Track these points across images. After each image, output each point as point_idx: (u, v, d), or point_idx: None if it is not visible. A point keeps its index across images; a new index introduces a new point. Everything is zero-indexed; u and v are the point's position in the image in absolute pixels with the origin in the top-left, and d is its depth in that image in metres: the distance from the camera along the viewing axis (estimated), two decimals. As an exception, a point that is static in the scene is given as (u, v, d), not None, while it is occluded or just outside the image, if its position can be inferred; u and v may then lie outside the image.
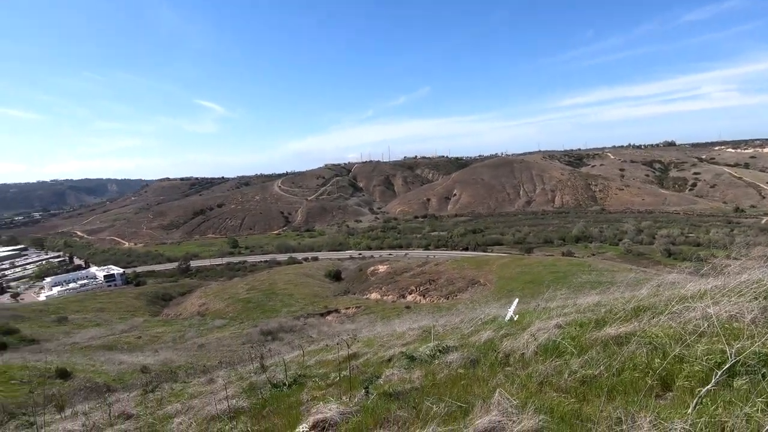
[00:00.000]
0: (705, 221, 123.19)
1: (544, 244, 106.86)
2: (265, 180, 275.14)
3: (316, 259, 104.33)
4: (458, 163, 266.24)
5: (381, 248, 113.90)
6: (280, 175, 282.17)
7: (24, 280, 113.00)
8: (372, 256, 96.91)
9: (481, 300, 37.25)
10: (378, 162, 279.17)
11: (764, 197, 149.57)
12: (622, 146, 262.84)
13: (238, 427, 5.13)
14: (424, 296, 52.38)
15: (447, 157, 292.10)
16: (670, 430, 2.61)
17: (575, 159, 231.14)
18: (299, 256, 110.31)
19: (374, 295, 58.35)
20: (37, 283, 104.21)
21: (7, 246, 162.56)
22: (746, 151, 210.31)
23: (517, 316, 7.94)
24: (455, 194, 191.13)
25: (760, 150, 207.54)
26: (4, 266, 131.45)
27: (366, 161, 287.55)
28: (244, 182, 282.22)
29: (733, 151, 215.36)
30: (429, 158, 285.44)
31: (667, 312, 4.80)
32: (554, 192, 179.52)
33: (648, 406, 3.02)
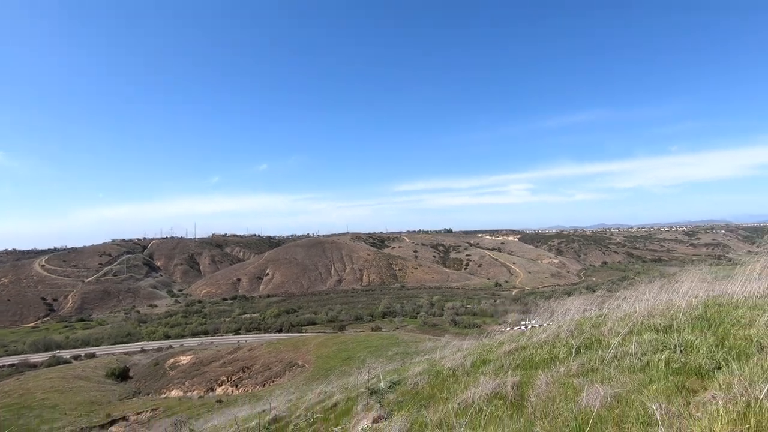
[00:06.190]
0: (477, 294, 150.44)
1: (355, 320, 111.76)
2: (18, 257, 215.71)
3: (92, 356, 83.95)
4: (271, 242, 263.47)
5: (183, 336, 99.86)
6: (44, 252, 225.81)
7: None
8: (171, 347, 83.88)
9: (300, 383, 36.46)
10: (182, 238, 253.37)
11: (512, 274, 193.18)
12: (414, 231, 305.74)
13: None
14: (237, 386, 47.91)
15: (259, 235, 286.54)
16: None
17: (378, 241, 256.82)
18: (67, 353, 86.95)
19: (175, 392, 50.28)
20: None
21: None
22: (498, 238, 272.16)
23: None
24: (268, 273, 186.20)
25: (505, 238, 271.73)
26: None
27: (166, 237, 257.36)
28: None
29: (490, 238, 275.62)
30: (240, 236, 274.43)
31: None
32: (362, 271, 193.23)
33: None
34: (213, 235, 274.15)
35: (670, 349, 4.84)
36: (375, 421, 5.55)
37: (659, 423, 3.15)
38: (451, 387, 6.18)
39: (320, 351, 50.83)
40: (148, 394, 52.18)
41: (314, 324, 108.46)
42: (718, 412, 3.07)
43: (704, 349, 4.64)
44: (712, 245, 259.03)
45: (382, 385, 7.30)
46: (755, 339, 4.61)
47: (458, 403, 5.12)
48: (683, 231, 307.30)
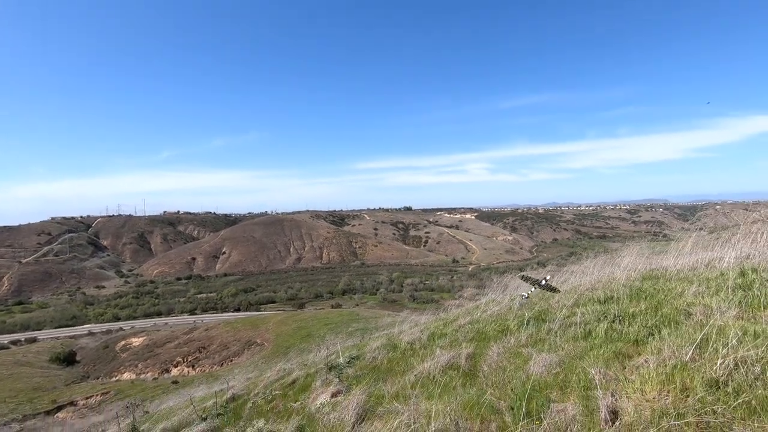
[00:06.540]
0: (435, 270, 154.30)
1: (315, 298, 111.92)
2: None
3: (34, 340, 79.31)
4: (227, 220, 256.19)
5: (134, 317, 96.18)
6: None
7: None
8: (121, 329, 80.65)
9: (259, 361, 36.31)
10: (130, 216, 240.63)
11: (469, 250, 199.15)
12: (374, 209, 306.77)
13: None
14: (193, 367, 47.03)
15: (215, 213, 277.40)
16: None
17: (338, 219, 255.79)
18: (5, 339, 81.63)
19: (127, 375, 48.70)
20: None
21: None
22: (456, 216, 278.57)
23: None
24: (224, 252, 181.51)
25: (463, 215, 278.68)
26: None
27: (113, 215, 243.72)
28: None
29: (449, 215, 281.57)
30: (194, 214, 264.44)
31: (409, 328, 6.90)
32: (322, 249, 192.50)
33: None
34: (165, 212, 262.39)
35: (609, 318, 5.20)
36: (334, 395, 5.64)
37: (597, 386, 3.41)
38: (408, 360, 6.37)
39: (280, 329, 50.62)
40: (98, 378, 50.25)
41: (273, 302, 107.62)
42: (649, 374, 3.35)
43: (640, 318, 5.02)
44: (651, 222, 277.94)
45: (341, 360, 7.40)
46: (684, 308, 5.03)
47: (415, 375, 5.29)
48: (626, 209, 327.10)
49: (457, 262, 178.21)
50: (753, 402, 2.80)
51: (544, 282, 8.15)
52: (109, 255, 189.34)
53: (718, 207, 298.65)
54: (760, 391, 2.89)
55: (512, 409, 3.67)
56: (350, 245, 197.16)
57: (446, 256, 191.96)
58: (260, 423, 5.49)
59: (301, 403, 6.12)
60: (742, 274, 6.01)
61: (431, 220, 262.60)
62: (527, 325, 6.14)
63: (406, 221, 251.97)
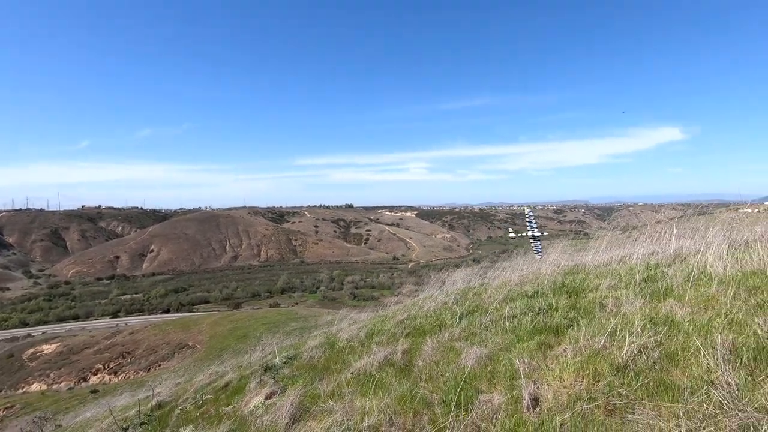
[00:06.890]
0: (376, 268, 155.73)
1: (252, 298, 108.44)
2: None
3: None
4: (156, 216, 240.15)
5: (46, 322, 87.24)
6: None
7: None
8: (30, 335, 72.84)
9: (191, 365, 34.55)
10: (41, 211, 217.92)
11: (409, 248, 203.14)
12: (315, 206, 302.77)
13: None
14: (115, 374, 43.71)
15: (141, 208, 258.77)
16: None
17: (278, 215, 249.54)
18: None
19: (37, 386, 44.19)
20: None
21: None
22: (397, 214, 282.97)
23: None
24: (153, 250, 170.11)
25: (404, 214, 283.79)
26: None
27: (20, 209, 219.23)
28: None
29: (390, 213, 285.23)
30: (118, 209, 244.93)
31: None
32: (260, 246, 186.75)
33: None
34: (83, 207, 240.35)
35: (534, 311, 5.55)
36: (268, 397, 5.50)
37: (522, 375, 3.63)
38: (346, 358, 6.36)
39: (214, 330, 48.46)
40: (0, 391, 45.05)
41: (207, 302, 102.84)
42: (567, 362, 3.63)
43: (561, 310, 5.42)
44: (574, 222, 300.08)
45: (277, 360, 7.23)
46: (599, 300, 5.50)
47: (351, 373, 5.30)
48: (553, 209, 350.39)
49: (398, 259, 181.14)
50: (651, 384, 3.13)
51: (540, 234, 8.58)
52: (15, 253, 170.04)
53: (630, 208, 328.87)
54: (657, 374, 3.25)
55: (443, 401, 3.80)
56: (290, 243, 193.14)
57: (387, 253, 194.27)
58: (188, 430, 5.22)
59: (234, 407, 5.90)
60: (648, 268, 6.69)
61: (372, 217, 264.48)
62: (461, 319, 6.38)
63: (348, 219, 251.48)
